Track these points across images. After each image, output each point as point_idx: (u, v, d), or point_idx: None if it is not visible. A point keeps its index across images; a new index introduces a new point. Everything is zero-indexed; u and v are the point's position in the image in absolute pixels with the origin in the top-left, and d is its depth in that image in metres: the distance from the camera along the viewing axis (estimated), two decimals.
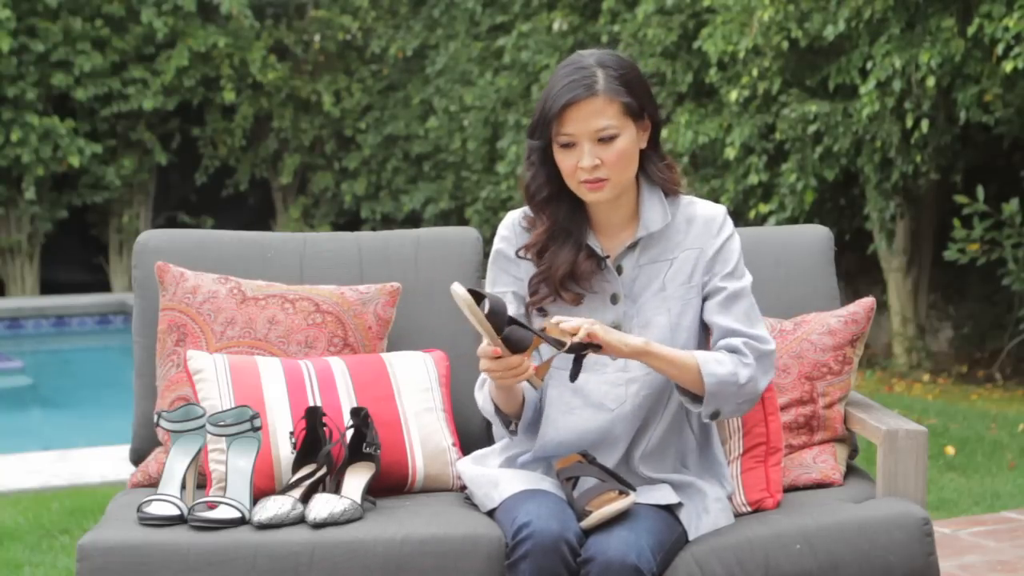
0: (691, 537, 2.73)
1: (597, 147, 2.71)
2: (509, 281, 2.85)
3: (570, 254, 2.79)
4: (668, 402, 2.81)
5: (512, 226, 2.88)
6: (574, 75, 2.71)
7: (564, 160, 2.73)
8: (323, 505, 2.73)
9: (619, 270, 2.80)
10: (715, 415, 2.75)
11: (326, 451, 2.84)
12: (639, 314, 2.79)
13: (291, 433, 2.89)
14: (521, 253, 2.84)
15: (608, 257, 2.80)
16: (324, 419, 2.88)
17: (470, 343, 2.94)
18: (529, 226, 2.86)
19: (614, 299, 2.80)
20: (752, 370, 2.74)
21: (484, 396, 2.83)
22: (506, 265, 2.86)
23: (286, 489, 2.82)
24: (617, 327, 2.77)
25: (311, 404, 2.96)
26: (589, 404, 2.79)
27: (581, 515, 2.63)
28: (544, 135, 2.73)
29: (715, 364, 2.71)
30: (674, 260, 2.80)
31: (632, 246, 2.80)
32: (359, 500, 2.78)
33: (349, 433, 2.88)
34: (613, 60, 2.75)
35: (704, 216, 2.82)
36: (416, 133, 11.90)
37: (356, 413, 2.88)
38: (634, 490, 2.68)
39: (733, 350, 2.75)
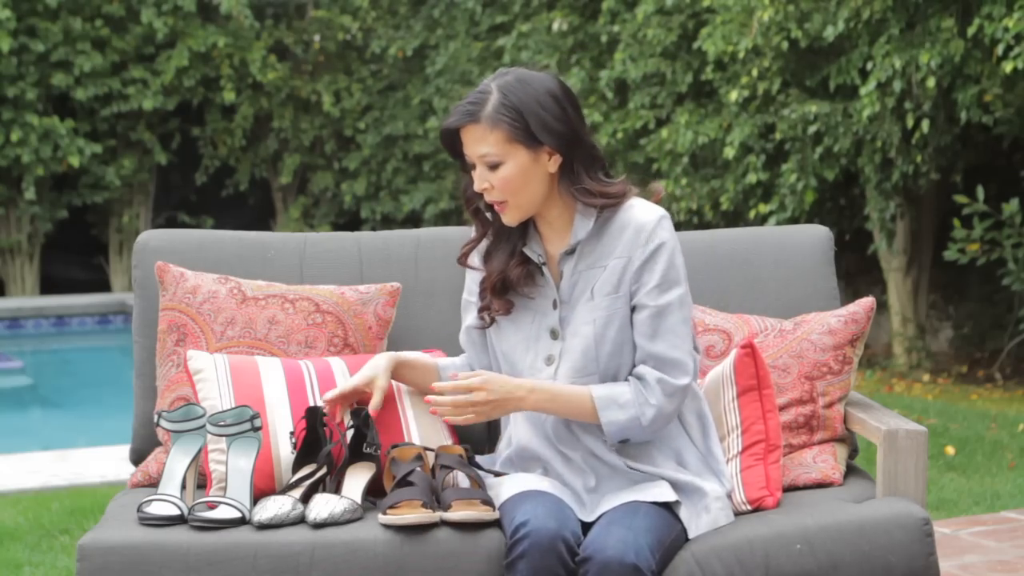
0: (691, 535, 2.73)
1: (487, 171, 2.75)
2: (474, 289, 2.93)
3: (502, 261, 2.84)
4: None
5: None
6: (469, 98, 2.76)
7: (473, 178, 2.79)
8: (323, 505, 2.73)
9: (562, 275, 2.82)
10: (624, 442, 2.78)
11: (326, 451, 2.84)
12: (571, 322, 2.81)
13: (291, 433, 2.89)
14: (461, 261, 2.91)
15: (545, 263, 2.82)
16: (324, 419, 2.88)
17: None
18: None
19: (554, 304, 2.82)
20: (657, 411, 2.74)
21: None
22: (474, 272, 2.94)
23: (286, 489, 2.82)
24: (555, 333, 2.81)
25: (311, 404, 2.96)
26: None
27: (445, 507, 2.69)
28: (451, 151, 2.80)
29: (615, 410, 2.73)
30: (607, 267, 2.79)
31: (570, 252, 2.82)
32: (359, 500, 2.78)
33: (349, 433, 2.88)
34: (515, 85, 2.74)
35: (636, 223, 2.78)
36: (416, 133, 11.90)
37: (356, 414, 2.88)
38: (494, 508, 2.70)
39: (641, 381, 2.75)
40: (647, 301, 2.75)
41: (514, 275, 2.82)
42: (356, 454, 2.88)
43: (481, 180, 2.75)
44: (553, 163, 2.76)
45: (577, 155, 2.76)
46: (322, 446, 2.86)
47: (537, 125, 2.72)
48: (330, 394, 2.89)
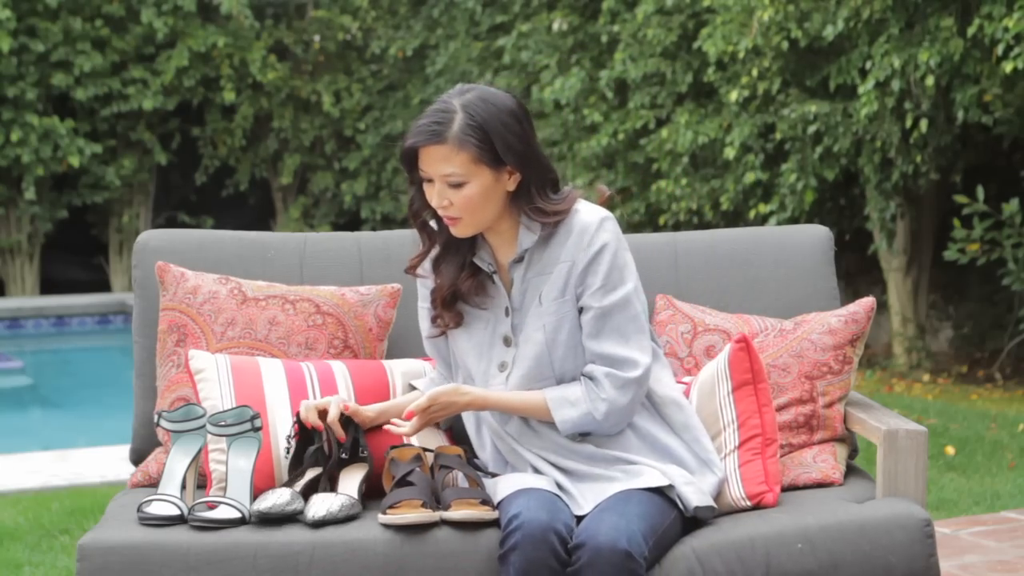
0: (690, 506, 2.74)
1: (448, 189, 2.74)
2: (425, 295, 2.94)
3: (453, 274, 2.85)
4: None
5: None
6: (432, 116, 2.73)
7: (427, 192, 2.78)
8: (321, 504, 2.73)
9: (512, 283, 2.83)
10: (584, 435, 2.81)
11: (313, 450, 2.84)
12: (523, 329, 2.82)
13: (288, 438, 2.89)
14: (409, 271, 2.91)
15: (495, 272, 2.84)
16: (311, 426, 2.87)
17: None
18: None
19: (507, 312, 2.84)
20: (609, 404, 2.77)
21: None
22: (424, 279, 2.94)
23: (285, 485, 2.82)
24: (508, 340, 2.83)
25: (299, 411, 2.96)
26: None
27: (445, 507, 2.70)
28: (407, 166, 2.78)
29: (568, 408, 2.77)
30: (552, 272, 2.81)
31: (519, 260, 2.83)
32: (356, 496, 2.78)
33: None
34: (479, 105, 2.73)
35: (579, 226, 2.79)
36: None
37: (347, 422, 2.87)
38: (493, 507, 2.71)
39: (591, 379, 2.78)
40: (591, 303, 2.78)
41: (465, 287, 2.84)
42: (350, 459, 2.88)
43: (441, 197, 2.74)
44: (512, 182, 2.77)
45: (533, 175, 2.78)
46: (320, 452, 2.86)
47: (502, 146, 2.72)
48: (308, 404, 2.86)
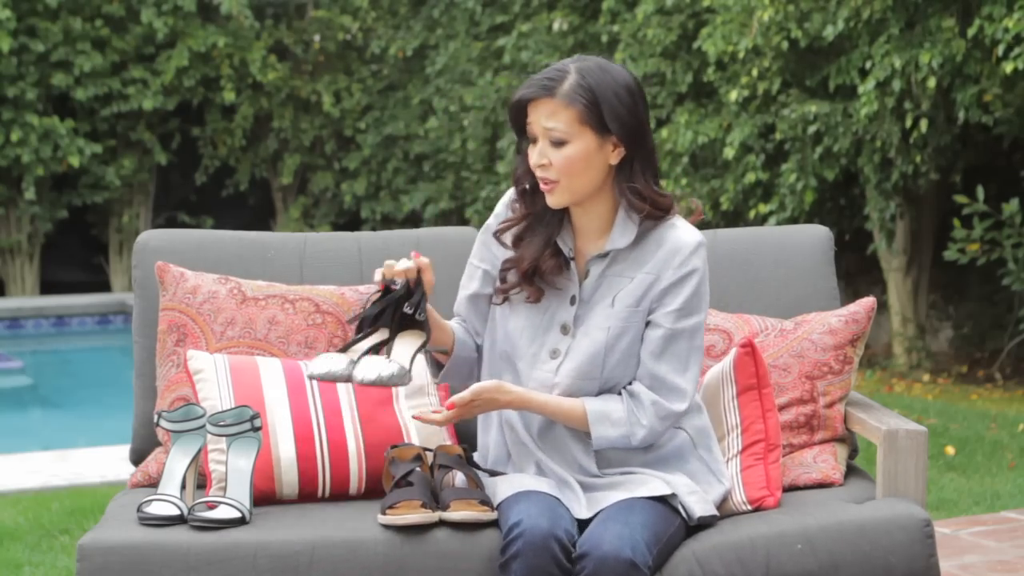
0: (694, 516, 2.74)
1: (549, 147, 2.71)
2: (487, 256, 2.88)
3: (538, 249, 2.79)
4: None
5: (507, 204, 2.90)
6: (546, 73, 2.72)
7: (529, 153, 2.76)
8: (372, 366, 2.63)
9: (587, 274, 2.79)
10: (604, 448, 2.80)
11: (372, 312, 2.70)
12: (586, 322, 2.79)
13: (366, 300, 2.77)
14: (496, 235, 2.85)
15: (574, 258, 2.80)
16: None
17: None
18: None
19: (572, 300, 2.80)
20: (647, 431, 2.76)
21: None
22: (488, 240, 2.89)
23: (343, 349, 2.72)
24: (567, 328, 2.79)
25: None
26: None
27: (444, 507, 2.69)
28: (515, 124, 2.75)
29: (607, 426, 2.74)
30: (634, 279, 2.78)
31: (603, 255, 2.80)
32: (408, 366, 2.68)
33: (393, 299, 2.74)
34: (595, 70, 2.72)
35: (674, 243, 2.77)
36: (416, 133, 11.90)
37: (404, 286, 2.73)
38: (492, 508, 2.71)
39: (636, 401, 2.76)
40: (664, 322, 2.75)
41: (547, 266, 2.78)
42: (404, 322, 2.75)
43: (541, 156, 2.71)
44: (616, 155, 2.74)
45: (639, 154, 2.75)
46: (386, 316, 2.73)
47: (609, 113, 2.70)
48: (388, 262, 2.73)
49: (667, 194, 2.78)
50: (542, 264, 2.78)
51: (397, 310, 2.71)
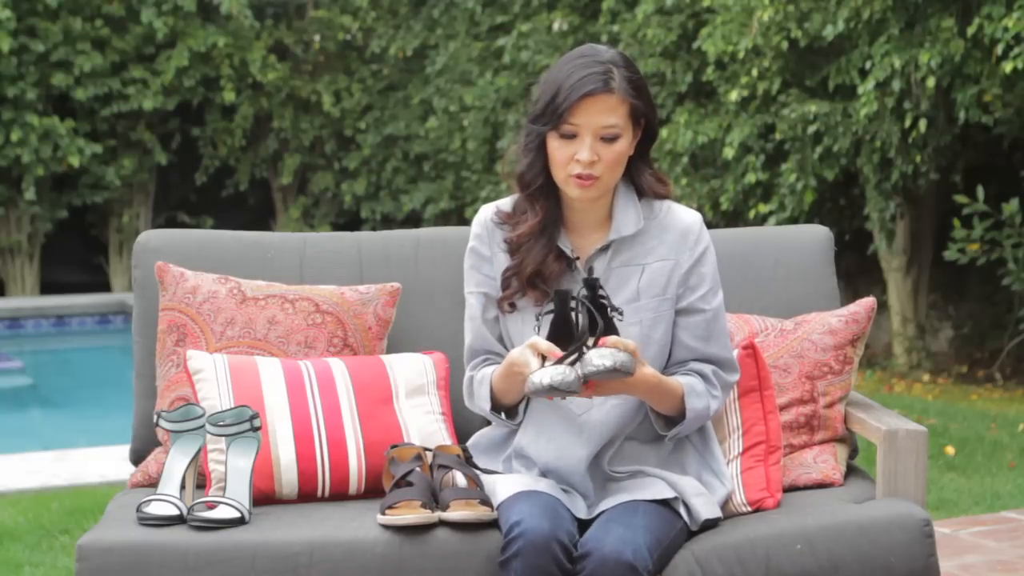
0: (694, 524, 2.73)
1: (598, 144, 2.68)
2: (482, 281, 2.84)
3: (541, 253, 2.76)
4: (637, 414, 2.80)
5: (484, 223, 2.85)
6: (593, 67, 2.66)
7: (560, 150, 2.69)
8: (599, 358, 2.53)
9: (591, 271, 2.74)
10: (674, 436, 2.79)
11: (585, 326, 2.58)
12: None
13: (537, 316, 2.69)
14: (520, 239, 2.76)
15: (578, 259, 2.78)
16: (572, 301, 2.64)
17: None
18: (502, 221, 2.83)
19: None
20: (719, 402, 2.79)
21: (482, 397, 2.83)
22: (479, 264, 2.85)
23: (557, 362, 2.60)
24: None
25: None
26: (560, 414, 2.79)
27: (444, 507, 2.69)
28: (552, 122, 2.67)
29: (695, 398, 2.74)
30: (646, 267, 2.77)
31: (604, 248, 2.78)
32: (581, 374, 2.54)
33: (547, 320, 2.67)
34: (625, 61, 2.72)
35: (680, 226, 2.78)
36: (416, 133, 11.90)
37: (561, 295, 2.65)
38: (492, 508, 2.68)
39: (704, 378, 2.77)
40: (702, 305, 2.77)
41: (551, 271, 2.75)
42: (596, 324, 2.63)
43: (592, 152, 2.66)
44: (634, 144, 2.75)
45: (649, 141, 2.78)
46: (572, 328, 2.61)
47: (647, 104, 2.72)
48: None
49: (662, 174, 2.82)
50: (547, 268, 2.76)
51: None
